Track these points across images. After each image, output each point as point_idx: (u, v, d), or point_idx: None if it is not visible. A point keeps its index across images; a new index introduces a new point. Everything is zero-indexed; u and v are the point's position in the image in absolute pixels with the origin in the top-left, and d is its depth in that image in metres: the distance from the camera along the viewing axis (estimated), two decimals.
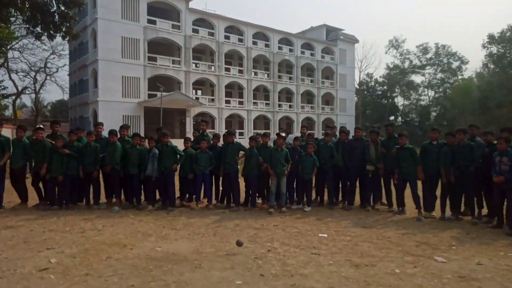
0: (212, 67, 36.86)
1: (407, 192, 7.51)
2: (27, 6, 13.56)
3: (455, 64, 55.70)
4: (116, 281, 3.91)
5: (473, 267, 4.43)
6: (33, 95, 41.24)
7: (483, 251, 5.10)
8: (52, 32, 14.86)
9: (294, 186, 8.41)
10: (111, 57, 29.44)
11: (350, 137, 8.68)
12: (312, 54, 45.71)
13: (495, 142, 6.43)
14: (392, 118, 56.32)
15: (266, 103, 41.66)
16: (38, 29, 15.11)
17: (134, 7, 30.71)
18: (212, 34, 36.49)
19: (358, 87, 56.36)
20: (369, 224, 6.67)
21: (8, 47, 26.75)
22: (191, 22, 34.61)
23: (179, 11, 33.75)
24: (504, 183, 6.02)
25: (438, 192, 7.41)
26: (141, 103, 30.83)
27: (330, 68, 47.83)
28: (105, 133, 8.45)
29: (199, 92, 38.44)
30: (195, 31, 35.11)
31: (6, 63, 32.84)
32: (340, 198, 8.57)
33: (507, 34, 40.58)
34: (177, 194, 8.47)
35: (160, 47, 33.05)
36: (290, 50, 43.45)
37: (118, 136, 8.16)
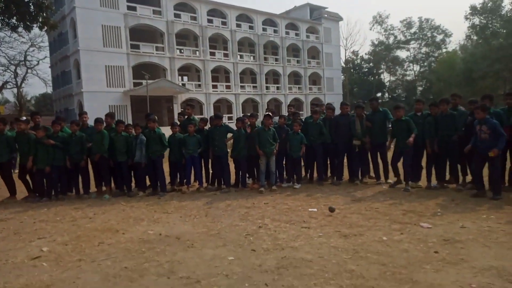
0: (197, 52, 36.30)
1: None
2: None
3: (439, 38, 55.79)
4: (110, 264, 3.96)
5: (457, 231, 4.58)
6: (15, 90, 40.39)
7: (466, 215, 5.26)
8: (28, 23, 14.38)
9: (284, 164, 8.50)
10: (92, 47, 28.82)
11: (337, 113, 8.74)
12: (297, 34, 45.34)
13: None
14: (379, 94, 56.57)
15: (253, 86, 41.40)
16: (14, 20, 14.65)
17: None
18: (194, 19, 35.83)
19: (344, 65, 56.26)
20: (358, 197, 6.80)
21: None
22: (172, 7, 33.86)
23: None
24: (483, 150, 6.09)
25: (423, 162, 7.56)
26: (127, 92, 30.40)
27: (316, 48, 47.58)
28: (90, 122, 8.37)
29: (185, 78, 38.03)
30: (177, 16, 34.41)
31: None
32: (329, 174, 8.69)
33: (489, 5, 40.64)
34: (168, 179, 8.49)
35: (142, 34, 32.39)
36: (275, 31, 42.98)
37: (104, 124, 8.10)
